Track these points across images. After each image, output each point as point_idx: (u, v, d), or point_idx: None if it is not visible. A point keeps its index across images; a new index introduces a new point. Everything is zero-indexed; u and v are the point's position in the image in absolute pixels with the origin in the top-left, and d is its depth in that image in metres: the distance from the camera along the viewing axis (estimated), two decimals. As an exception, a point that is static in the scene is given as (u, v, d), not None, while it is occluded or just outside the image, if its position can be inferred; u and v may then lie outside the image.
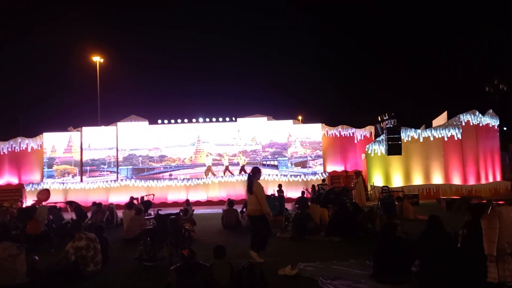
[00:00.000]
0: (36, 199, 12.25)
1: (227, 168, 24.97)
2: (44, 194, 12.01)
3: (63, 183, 23.40)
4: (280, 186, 19.72)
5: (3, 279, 6.41)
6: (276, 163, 25.70)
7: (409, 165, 22.20)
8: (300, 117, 50.38)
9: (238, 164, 25.41)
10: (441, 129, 22.48)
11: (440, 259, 5.93)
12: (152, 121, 26.31)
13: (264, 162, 25.75)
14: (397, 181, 22.06)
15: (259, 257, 7.99)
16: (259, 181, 8.29)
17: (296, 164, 25.53)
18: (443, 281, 5.87)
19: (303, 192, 18.49)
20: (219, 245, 6.24)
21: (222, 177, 23.85)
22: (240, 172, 24.35)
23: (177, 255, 8.26)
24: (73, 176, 24.78)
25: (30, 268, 6.97)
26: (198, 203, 22.25)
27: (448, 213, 15.11)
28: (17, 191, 23.42)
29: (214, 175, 24.33)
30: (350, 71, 77.23)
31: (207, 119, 26.44)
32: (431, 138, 22.34)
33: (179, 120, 26.22)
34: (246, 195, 8.65)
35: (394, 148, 18.98)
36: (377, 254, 6.69)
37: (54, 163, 24.92)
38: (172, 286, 5.10)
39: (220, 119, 26.43)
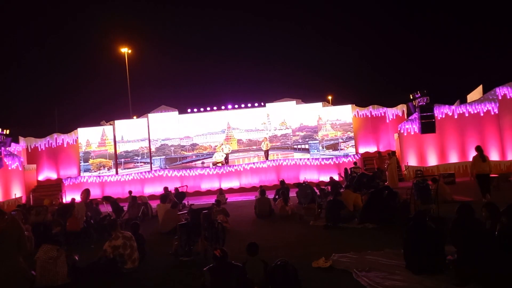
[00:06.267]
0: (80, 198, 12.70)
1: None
2: (83, 193, 12.41)
3: (99, 176, 24.02)
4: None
5: (45, 281, 6.67)
6: (307, 146, 25.52)
7: (444, 143, 21.63)
8: (330, 97, 49.96)
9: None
10: (476, 104, 21.72)
11: (475, 249, 5.74)
12: (182, 111, 26.57)
13: (295, 146, 25.63)
14: (431, 160, 21.56)
15: None
16: None
17: (328, 147, 25.29)
18: (481, 270, 5.68)
19: (331, 178, 18.26)
20: (252, 242, 6.23)
21: (253, 163, 23.87)
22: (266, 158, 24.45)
23: (211, 249, 8.37)
24: (108, 169, 25.41)
25: (71, 268, 7.22)
26: (231, 190, 22.45)
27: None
28: (57, 186, 24.22)
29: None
30: (378, 49, 75.51)
31: (236, 106, 26.49)
32: (466, 114, 21.64)
33: (208, 108, 26.39)
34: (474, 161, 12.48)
35: (428, 126, 18.51)
36: (407, 245, 6.56)
37: (90, 157, 25.59)
38: (207, 286, 5.15)
39: (249, 105, 26.43)
